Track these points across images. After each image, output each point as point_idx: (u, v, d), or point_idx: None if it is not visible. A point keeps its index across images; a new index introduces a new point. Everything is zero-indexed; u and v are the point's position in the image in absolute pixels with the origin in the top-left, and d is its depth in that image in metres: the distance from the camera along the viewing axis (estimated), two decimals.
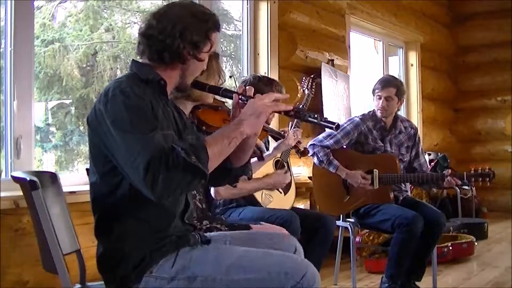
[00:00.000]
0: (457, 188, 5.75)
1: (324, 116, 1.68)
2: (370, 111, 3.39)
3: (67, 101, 3.53)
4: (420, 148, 3.43)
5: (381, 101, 3.25)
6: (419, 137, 3.46)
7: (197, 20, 1.64)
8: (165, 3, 1.73)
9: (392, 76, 3.39)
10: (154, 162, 1.38)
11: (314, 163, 3.36)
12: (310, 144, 3.33)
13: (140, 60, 1.68)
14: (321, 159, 3.26)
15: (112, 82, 1.57)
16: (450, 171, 3.12)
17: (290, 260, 1.60)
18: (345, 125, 3.32)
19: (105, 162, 1.55)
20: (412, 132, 3.40)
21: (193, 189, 1.57)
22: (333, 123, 1.63)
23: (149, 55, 1.64)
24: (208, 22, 1.66)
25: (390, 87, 3.25)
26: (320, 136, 3.36)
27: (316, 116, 1.64)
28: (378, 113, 3.29)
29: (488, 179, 3.02)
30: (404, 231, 2.97)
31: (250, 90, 1.70)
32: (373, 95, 3.33)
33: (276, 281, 1.52)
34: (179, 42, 1.60)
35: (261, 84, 2.71)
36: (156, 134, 1.45)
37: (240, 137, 1.58)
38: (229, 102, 2.12)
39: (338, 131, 3.26)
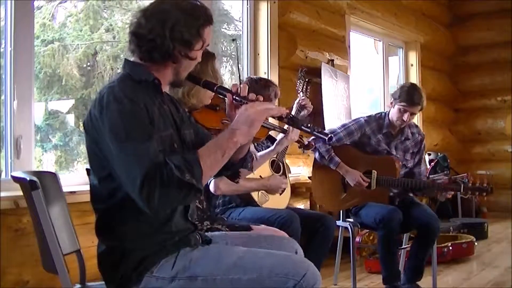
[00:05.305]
0: None
1: (317, 127, 1.66)
2: (378, 114, 3.34)
3: (67, 101, 3.53)
4: (423, 156, 3.42)
5: (405, 115, 3.16)
6: (424, 145, 3.43)
7: (188, 16, 1.58)
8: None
9: (419, 89, 3.23)
10: (149, 179, 1.38)
11: (315, 158, 3.36)
12: (312, 138, 3.30)
13: (132, 59, 1.65)
14: (322, 154, 3.25)
15: (106, 87, 1.55)
16: (446, 181, 3.11)
17: (290, 260, 1.60)
18: (350, 124, 3.30)
19: (103, 168, 1.55)
20: (419, 138, 3.37)
21: (189, 202, 1.64)
22: (326, 134, 1.62)
23: (139, 54, 1.61)
24: (200, 19, 1.61)
25: (419, 105, 3.18)
26: None
27: (309, 125, 1.63)
28: (397, 123, 3.22)
29: (485, 193, 3.03)
30: (381, 226, 3.00)
31: (244, 89, 1.66)
32: (394, 101, 3.21)
33: (277, 281, 1.51)
34: (169, 42, 1.56)
35: (257, 87, 2.71)
36: (151, 143, 1.44)
37: (234, 147, 1.55)
38: None
39: (342, 129, 3.27)
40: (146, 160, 1.40)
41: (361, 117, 3.36)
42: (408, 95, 3.17)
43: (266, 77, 3.89)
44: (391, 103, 3.26)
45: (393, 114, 3.23)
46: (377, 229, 3.06)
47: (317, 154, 3.30)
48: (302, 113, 3.06)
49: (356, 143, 3.30)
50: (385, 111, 3.37)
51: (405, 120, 3.18)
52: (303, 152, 3.19)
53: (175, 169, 1.40)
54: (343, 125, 3.32)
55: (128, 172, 1.42)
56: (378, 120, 3.30)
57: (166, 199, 1.41)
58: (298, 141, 2.78)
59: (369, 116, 3.34)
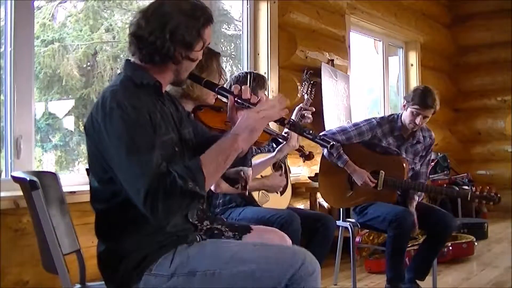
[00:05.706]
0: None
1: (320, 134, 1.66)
2: (391, 116, 3.32)
3: (67, 101, 3.53)
4: (428, 159, 3.41)
5: (418, 118, 3.14)
6: (432, 149, 3.43)
7: (188, 18, 1.57)
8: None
9: (432, 92, 3.19)
10: (153, 190, 1.39)
11: (323, 154, 3.35)
12: (322, 135, 3.28)
13: (132, 59, 1.63)
14: (330, 151, 3.23)
15: (108, 91, 1.53)
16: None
17: (288, 250, 1.61)
18: (362, 125, 3.27)
19: (104, 171, 1.55)
20: (429, 142, 3.35)
21: (193, 209, 1.70)
22: (328, 141, 1.61)
23: (140, 56, 1.60)
24: (200, 19, 1.59)
25: (432, 108, 3.16)
26: (334, 129, 3.33)
27: (311, 132, 1.62)
28: (409, 126, 3.20)
29: (492, 203, 3.01)
30: (394, 227, 2.97)
31: (246, 91, 1.64)
32: (407, 104, 3.19)
33: (275, 270, 1.51)
34: (170, 45, 1.54)
35: (242, 81, 2.70)
36: (155, 153, 1.44)
37: (236, 153, 1.55)
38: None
39: (353, 129, 3.25)
40: (149, 171, 1.41)
41: (373, 118, 3.33)
42: (421, 98, 3.14)
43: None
44: (404, 105, 3.23)
45: (406, 117, 3.20)
46: (388, 229, 3.03)
47: (325, 151, 3.29)
48: (303, 121, 3.05)
49: (366, 142, 3.27)
50: (398, 113, 3.33)
51: (417, 123, 3.16)
52: (303, 162, 3.17)
53: (178, 178, 1.41)
54: (355, 124, 3.31)
55: (131, 183, 1.43)
56: (390, 122, 3.27)
57: (170, 209, 1.42)
58: (298, 150, 2.76)
59: (382, 118, 3.31)
